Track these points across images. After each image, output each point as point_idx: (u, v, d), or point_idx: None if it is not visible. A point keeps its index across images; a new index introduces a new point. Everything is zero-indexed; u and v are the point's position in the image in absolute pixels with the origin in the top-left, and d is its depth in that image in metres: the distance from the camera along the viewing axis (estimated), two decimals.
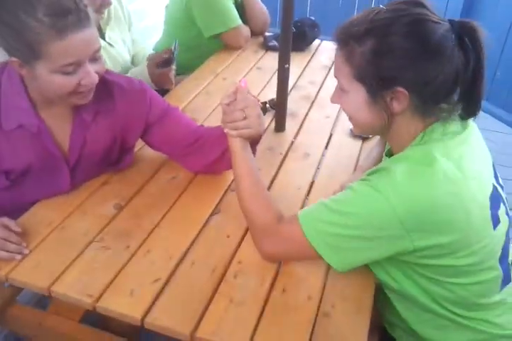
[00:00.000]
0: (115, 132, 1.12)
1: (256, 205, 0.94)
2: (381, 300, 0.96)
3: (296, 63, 1.78)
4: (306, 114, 1.54)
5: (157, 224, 1.04)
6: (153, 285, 0.88)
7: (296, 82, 1.75)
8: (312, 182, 1.22)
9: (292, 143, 1.39)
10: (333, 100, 0.91)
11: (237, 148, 0.97)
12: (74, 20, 0.86)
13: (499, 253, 0.87)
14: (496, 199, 0.86)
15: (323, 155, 1.34)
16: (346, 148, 1.36)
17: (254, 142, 1.05)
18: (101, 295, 0.86)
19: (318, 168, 1.27)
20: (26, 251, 0.94)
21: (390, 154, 0.94)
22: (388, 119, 0.83)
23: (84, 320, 1.02)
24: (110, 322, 0.95)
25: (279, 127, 1.44)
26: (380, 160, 1.13)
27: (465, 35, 0.78)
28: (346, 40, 0.82)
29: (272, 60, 1.90)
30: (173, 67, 1.58)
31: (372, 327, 0.84)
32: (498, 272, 0.87)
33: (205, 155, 1.15)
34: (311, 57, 1.98)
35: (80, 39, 0.88)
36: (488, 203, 0.84)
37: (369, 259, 0.85)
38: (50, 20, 0.85)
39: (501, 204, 0.88)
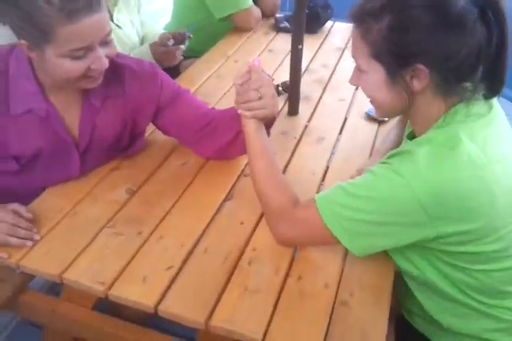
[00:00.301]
0: (125, 116, 1.09)
1: (271, 188, 0.91)
2: (400, 288, 0.93)
3: (309, 46, 1.73)
4: (320, 98, 1.50)
5: (168, 210, 1.02)
6: (166, 273, 0.87)
7: (308, 65, 1.70)
8: (327, 167, 1.18)
9: (306, 127, 1.35)
10: (352, 81, 0.87)
11: (252, 129, 0.94)
12: (85, 3, 0.83)
13: None
14: None
15: (337, 139, 1.30)
16: (362, 132, 1.32)
17: (268, 124, 1.02)
18: (113, 283, 0.85)
19: (333, 153, 1.24)
20: (37, 237, 0.92)
21: (411, 137, 0.90)
22: (409, 99, 0.79)
23: (97, 307, 1.02)
24: (123, 309, 0.94)
25: (293, 110, 1.40)
26: (398, 143, 1.09)
27: (488, 7, 0.73)
28: (362, 17, 0.78)
29: (283, 41, 1.86)
30: (182, 47, 1.55)
31: (390, 315, 0.82)
32: None
33: (218, 138, 1.12)
34: (324, 40, 1.93)
35: (91, 23, 0.85)
36: None
37: (388, 246, 0.82)
38: (61, 3, 0.82)
39: None
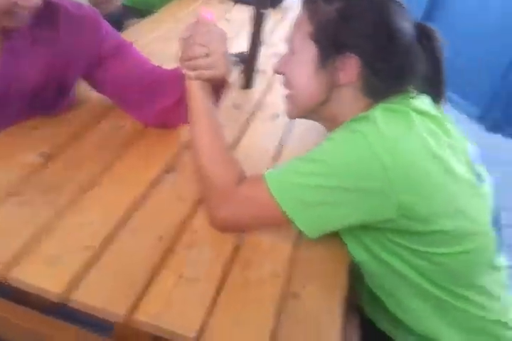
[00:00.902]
0: (54, 65, 0.91)
1: (214, 162, 0.78)
2: (360, 289, 0.86)
3: (268, 21, 1.60)
4: None
5: (94, 179, 0.85)
6: (82, 254, 0.70)
7: (266, 40, 1.56)
8: (281, 146, 1.06)
9: (260, 102, 1.23)
10: (278, 67, 0.83)
11: (195, 92, 0.80)
12: None
13: (489, 216, 0.79)
14: (476, 157, 0.81)
15: None
16: None
17: (218, 89, 0.87)
18: (14, 263, 0.67)
19: (290, 130, 1.12)
20: None
21: None
22: (330, 91, 0.77)
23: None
24: (29, 294, 0.77)
25: (247, 84, 1.27)
26: None
27: (424, 36, 0.77)
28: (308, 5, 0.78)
29: (241, 12, 1.72)
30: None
31: (351, 307, 0.72)
32: (489, 238, 0.78)
33: (159, 101, 0.96)
34: (284, 15, 1.81)
35: None
36: (468, 158, 0.79)
37: (344, 221, 0.73)
38: None
39: (481, 166, 0.82)
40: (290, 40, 0.81)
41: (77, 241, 0.72)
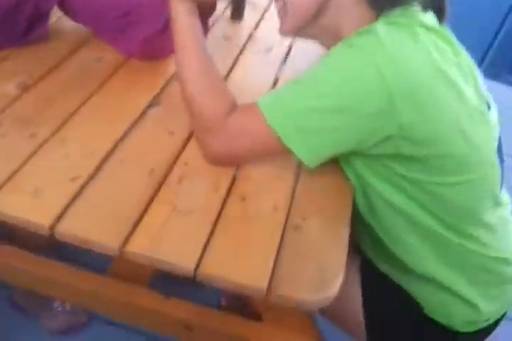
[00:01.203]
0: None
1: (203, 91, 0.72)
2: (363, 234, 0.83)
3: None
4: (269, 4, 1.28)
5: (75, 111, 0.78)
6: (69, 184, 0.65)
7: None
8: (276, 79, 1.00)
9: (251, 35, 1.15)
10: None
11: (181, 14, 0.73)
12: None
13: (494, 146, 0.75)
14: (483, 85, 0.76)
15: (288, 49, 1.11)
16: (316, 44, 1.14)
17: (206, 12, 0.80)
18: None
19: (284, 63, 1.05)
20: None
21: None
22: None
23: None
24: (18, 231, 0.72)
25: (237, 14, 1.18)
26: None
27: None
28: None
29: None
30: None
31: (353, 247, 0.69)
32: (493, 170, 0.75)
33: (141, 28, 0.88)
34: None
35: None
36: (477, 82, 0.74)
37: (342, 145, 0.69)
38: None
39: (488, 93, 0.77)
40: None
41: (62, 173, 0.67)
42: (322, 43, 0.81)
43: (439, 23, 0.75)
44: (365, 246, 0.87)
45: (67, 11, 0.93)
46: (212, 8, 0.82)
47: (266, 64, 1.04)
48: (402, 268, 0.81)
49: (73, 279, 0.83)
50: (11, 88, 0.80)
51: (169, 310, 0.81)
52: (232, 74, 0.99)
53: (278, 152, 0.69)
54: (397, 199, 0.74)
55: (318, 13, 0.73)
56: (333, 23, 0.73)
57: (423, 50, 0.65)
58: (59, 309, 1.19)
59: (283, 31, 0.80)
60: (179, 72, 0.75)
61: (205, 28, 0.86)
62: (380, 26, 0.65)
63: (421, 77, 0.64)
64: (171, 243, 0.62)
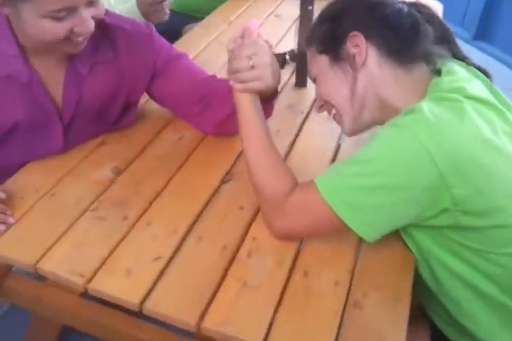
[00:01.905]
0: (117, 85, 0.97)
1: (267, 174, 0.79)
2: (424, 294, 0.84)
3: (320, 9, 1.57)
4: None
5: (160, 191, 0.91)
6: (153, 264, 0.76)
7: None
8: (338, 146, 1.06)
9: (315, 100, 1.22)
10: (320, 107, 0.89)
11: (244, 104, 0.82)
12: None
13: None
14: None
15: None
16: None
17: (268, 98, 0.89)
18: (93, 275, 0.74)
19: None
20: (12, 221, 0.81)
21: None
22: (355, 77, 0.78)
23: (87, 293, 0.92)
24: None
25: (301, 82, 1.27)
26: None
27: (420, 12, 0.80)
28: (308, 43, 0.86)
29: (291, 6, 1.69)
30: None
31: (421, 316, 0.71)
32: None
33: (217, 110, 0.99)
34: None
35: None
36: None
37: (399, 220, 0.72)
38: None
39: None
40: (313, 79, 0.88)
41: (148, 252, 0.78)
42: (381, 122, 0.82)
43: (488, 81, 0.78)
44: (435, 317, 0.87)
45: (153, 96, 1.07)
46: (274, 93, 0.91)
47: (329, 130, 1.11)
48: (473, 339, 0.80)
49: None
50: (107, 173, 0.94)
51: None
52: (296, 143, 1.07)
53: (338, 228, 0.73)
54: (461, 269, 0.75)
55: (362, 99, 0.79)
56: (380, 98, 0.78)
57: (468, 124, 0.67)
58: None
59: (348, 133, 0.88)
60: (244, 156, 0.84)
61: (269, 110, 0.95)
62: (426, 104, 0.69)
63: (466, 152, 0.66)
64: (241, 319, 0.69)
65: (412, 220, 0.72)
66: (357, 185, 0.70)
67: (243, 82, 0.80)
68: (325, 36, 0.82)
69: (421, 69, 0.78)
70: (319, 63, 0.83)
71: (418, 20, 0.78)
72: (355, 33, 0.77)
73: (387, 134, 0.70)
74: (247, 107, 0.82)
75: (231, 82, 0.82)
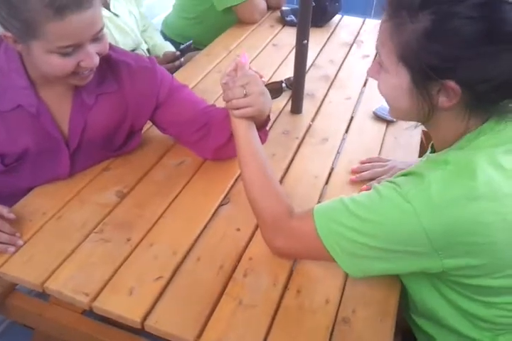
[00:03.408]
0: (122, 114, 1.03)
1: (263, 196, 0.84)
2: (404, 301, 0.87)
3: (315, 40, 1.66)
4: (325, 95, 1.43)
5: (161, 214, 0.96)
6: (154, 284, 0.81)
7: (314, 61, 1.63)
8: (331, 170, 1.12)
9: (310, 126, 1.29)
10: (371, 73, 0.77)
11: (240, 129, 0.88)
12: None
13: None
14: None
15: (343, 139, 1.23)
16: (369, 133, 1.25)
17: (261, 123, 0.96)
18: (98, 294, 0.79)
19: (338, 153, 1.17)
20: (20, 243, 0.87)
21: (433, 149, 0.82)
22: (429, 113, 0.70)
23: (88, 311, 0.96)
24: None
25: (296, 109, 1.33)
26: None
27: None
28: (398, 8, 0.67)
29: (289, 36, 1.79)
30: (177, 62, 1.58)
31: (397, 330, 0.76)
32: None
33: (215, 137, 1.05)
34: (331, 34, 1.85)
35: (80, 21, 0.80)
36: None
37: (388, 271, 0.76)
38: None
39: None
40: (377, 50, 0.73)
41: (150, 272, 0.83)
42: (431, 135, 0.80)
43: None
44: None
45: (156, 124, 1.13)
46: (267, 120, 0.98)
47: (322, 155, 1.16)
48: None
49: None
50: (112, 197, 0.99)
51: None
52: (291, 167, 1.13)
53: (328, 259, 0.75)
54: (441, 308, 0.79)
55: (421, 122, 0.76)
56: (437, 129, 0.75)
57: (471, 199, 0.65)
58: None
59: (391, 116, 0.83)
60: (242, 179, 0.89)
61: (264, 136, 1.01)
62: (434, 176, 0.67)
63: (464, 233, 0.65)
64: (237, 335, 0.73)
65: (400, 273, 0.77)
66: (353, 239, 0.71)
67: (238, 108, 0.87)
68: (414, 50, 0.67)
69: (476, 121, 0.71)
70: (396, 69, 0.70)
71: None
72: (454, 85, 0.65)
73: (389, 200, 0.69)
74: (244, 131, 0.88)
75: (228, 109, 0.88)
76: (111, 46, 0.96)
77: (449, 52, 0.64)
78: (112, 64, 0.99)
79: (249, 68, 0.90)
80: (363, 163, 1.12)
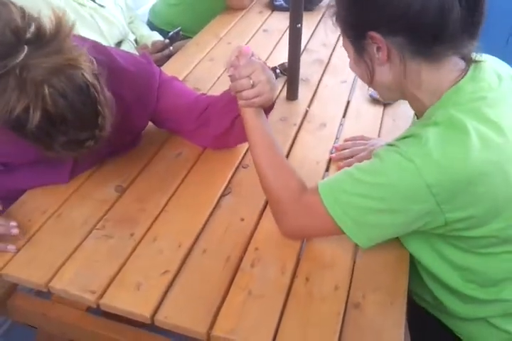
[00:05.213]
0: (125, 118, 0.99)
1: (276, 176, 0.85)
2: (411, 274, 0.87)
3: (307, 24, 1.59)
4: (320, 80, 1.41)
5: (163, 207, 0.94)
6: (161, 278, 0.79)
7: (306, 45, 1.60)
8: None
9: (307, 112, 1.27)
10: (350, 67, 0.84)
11: (250, 117, 0.88)
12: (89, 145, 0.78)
13: None
14: None
15: (341, 124, 1.22)
16: (367, 116, 1.24)
17: (267, 109, 0.94)
18: (104, 291, 0.77)
19: (337, 138, 1.16)
20: (16, 232, 0.83)
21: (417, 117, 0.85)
22: (374, 73, 0.76)
23: (92, 308, 0.94)
24: None
25: (292, 95, 1.31)
26: None
27: None
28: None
29: (279, 21, 1.76)
30: (166, 51, 1.57)
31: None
32: None
33: (214, 126, 1.03)
34: (322, 17, 1.82)
35: None
36: None
37: (395, 234, 0.78)
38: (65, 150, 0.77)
39: None
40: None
41: (156, 267, 0.81)
42: (412, 107, 0.84)
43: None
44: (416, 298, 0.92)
45: (152, 121, 1.11)
46: (271, 106, 0.96)
47: (321, 141, 1.15)
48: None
49: None
50: (111, 192, 0.98)
51: None
52: (291, 154, 1.11)
53: (337, 233, 0.77)
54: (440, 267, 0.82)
55: (385, 88, 0.80)
56: (404, 86, 0.77)
57: (469, 152, 0.67)
58: None
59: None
60: (255, 164, 0.88)
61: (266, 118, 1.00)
62: (431, 132, 0.69)
63: (466, 185, 0.68)
64: (248, 326, 0.73)
65: (406, 233, 0.78)
66: (360, 205, 0.73)
67: (246, 99, 0.86)
68: (344, 18, 0.76)
69: (450, 64, 0.74)
70: (345, 44, 0.80)
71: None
72: (374, 34, 0.71)
73: (391, 161, 0.71)
74: (253, 119, 0.88)
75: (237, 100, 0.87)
76: (112, 52, 0.94)
77: (357, 7, 0.74)
78: (112, 70, 0.95)
79: (252, 55, 0.87)
80: (346, 140, 1.13)
